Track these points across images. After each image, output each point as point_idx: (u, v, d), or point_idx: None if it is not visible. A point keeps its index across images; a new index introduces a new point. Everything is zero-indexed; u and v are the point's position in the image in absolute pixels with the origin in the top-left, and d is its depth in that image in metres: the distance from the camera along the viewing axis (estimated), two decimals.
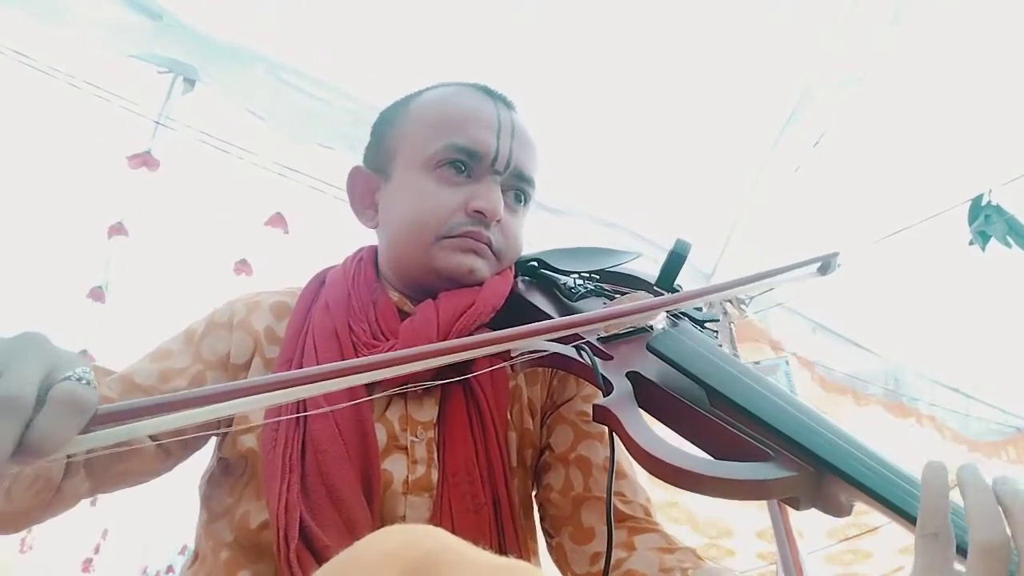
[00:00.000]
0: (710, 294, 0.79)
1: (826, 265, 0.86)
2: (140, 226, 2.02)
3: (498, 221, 0.85)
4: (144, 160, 1.88)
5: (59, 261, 2.30)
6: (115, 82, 1.86)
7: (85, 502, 0.77)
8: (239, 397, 0.47)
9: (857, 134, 2.36)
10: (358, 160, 0.95)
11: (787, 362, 2.65)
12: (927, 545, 0.48)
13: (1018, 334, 2.91)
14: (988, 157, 2.32)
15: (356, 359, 0.53)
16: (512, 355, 0.71)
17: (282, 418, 0.76)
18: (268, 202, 2.10)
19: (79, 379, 0.45)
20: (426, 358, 0.55)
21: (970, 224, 2.25)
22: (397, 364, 0.54)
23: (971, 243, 2.26)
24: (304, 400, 0.74)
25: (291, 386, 0.50)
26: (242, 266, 2.11)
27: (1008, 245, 2.21)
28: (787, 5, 2.18)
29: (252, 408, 0.49)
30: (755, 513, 3.22)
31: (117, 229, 1.96)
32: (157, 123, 1.88)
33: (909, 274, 2.66)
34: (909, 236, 2.31)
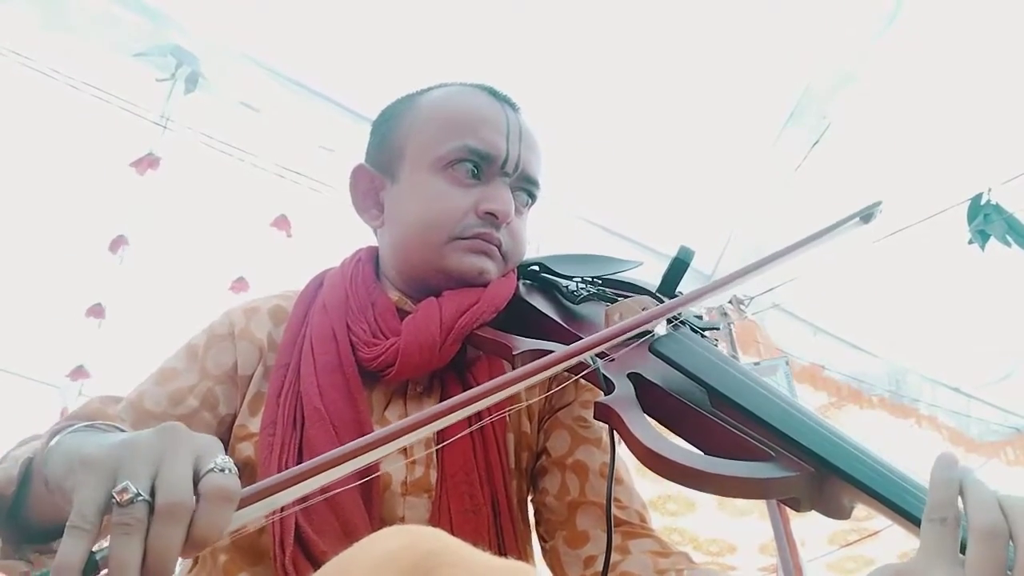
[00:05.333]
0: (746, 274, 0.79)
1: (868, 216, 0.83)
2: (140, 233, 2.01)
3: (508, 223, 0.85)
4: (148, 163, 1.87)
5: (59, 272, 2.28)
6: (115, 84, 1.86)
7: None
8: (351, 459, 0.52)
9: (857, 134, 2.36)
10: (359, 160, 0.94)
11: (786, 362, 2.65)
12: (934, 529, 0.50)
13: (1018, 334, 2.91)
14: (987, 156, 2.31)
15: (424, 411, 0.55)
16: (514, 353, 0.74)
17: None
18: (271, 204, 2.09)
19: (222, 469, 0.48)
20: (490, 394, 0.58)
21: (969, 223, 2.25)
22: (461, 408, 0.57)
23: (970, 242, 2.27)
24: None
25: (393, 439, 0.53)
26: (239, 284, 2.10)
27: (1007, 244, 2.22)
28: (787, 6, 2.18)
29: (366, 465, 0.53)
30: (757, 525, 3.23)
31: (120, 242, 1.94)
32: (162, 126, 1.87)
33: (909, 274, 2.66)
34: (909, 236, 2.31)
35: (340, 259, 0.95)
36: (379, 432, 0.54)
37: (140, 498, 0.45)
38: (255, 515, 0.49)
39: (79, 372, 2.11)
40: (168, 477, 0.47)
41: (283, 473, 0.50)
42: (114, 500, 0.45)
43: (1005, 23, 2.12)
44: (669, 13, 2.14)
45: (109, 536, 0.46)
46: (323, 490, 0.52)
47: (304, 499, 0.51)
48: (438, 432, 0.79)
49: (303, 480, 0.50)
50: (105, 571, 0.45)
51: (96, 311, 2.04)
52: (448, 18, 2.03)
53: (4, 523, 0.64)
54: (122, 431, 0.61)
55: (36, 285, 2.39)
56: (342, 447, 0.52)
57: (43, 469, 0.56)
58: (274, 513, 0.51)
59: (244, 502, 0.49)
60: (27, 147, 2.06)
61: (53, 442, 0.58)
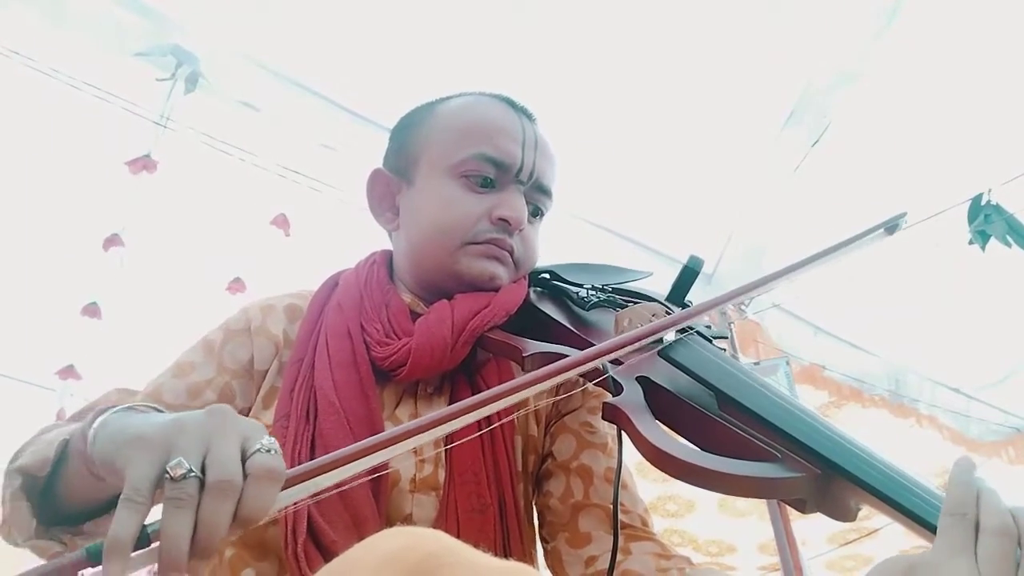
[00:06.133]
0: (765, 284, 0.80)
1: (893, 227, 0.86)
2: (140, 234, 2.01)
3: (520, 230, 0.87)
4: (144, 164, 1.87)
5: (60, 272, 2.28)
6: (115, 84, 1.85)
7: None
8: (394, 444, 0.54)
9: (856, 134, 2.36)
10: (361, 161, 0.96)
11: (787, 362, 2.65)
12: (954, 524, 0.52)
13: (1018, 334, 2.91)
14: (988, 157, 2.32)
15: (446, 408, 0.58)
16: (524, 356, 0.76)
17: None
18: (271, 204, 2.08)
19: (268, 450, 0.50)
20: (506, 396, 0.60)
21: (970, 223, 2.25)
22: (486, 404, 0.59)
23: (971, 242, 2.27)
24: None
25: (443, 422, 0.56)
26: (235, 284, 2.10)
27: (1008, 244, 2.22)
28: (786, 5, 2.18)
29: (405, 451, 0.55)
30: (757, 525, 3.23)
31: (113, 241, 1.94)
32: (162, 125, 1.87)
33: (909, 274, 2.66)
34: (909, 236, 2.31)
35: (339, 259, 0.98)
36: (417, 421, 0.55)
37: (192, 474, 0.47)
38: (298, 496, 0.51)
39: (68, 371, 2.11)
40: (218, 455, 0.49)
41: (326, 456, 0.53)
42: (167, 475, 0.47)
43: (1005, 22, 2.12)
44: (668, 13, 2.14)
45: (161, 509, 0.47)
46: (336, 485, 0.53)
47: (317, 494, 0.53)
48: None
49: (344, 464, 0.52)
50: (155, 544, 0.46)
51: (92, 311, 2.04)
52: (449, 20, 2.03)
53: (37, 504, 0.65)
54: (160, 411, 0.62)
55: (36, 286, 2.38)
56: (386, 432, 0.54)
57: (89, 449, 0.57)
58: (287, 507, 0.53)
59: (289, 482, 0.51)
60: (27, 147, 2.06)
61: (98, 423, 0.59)
